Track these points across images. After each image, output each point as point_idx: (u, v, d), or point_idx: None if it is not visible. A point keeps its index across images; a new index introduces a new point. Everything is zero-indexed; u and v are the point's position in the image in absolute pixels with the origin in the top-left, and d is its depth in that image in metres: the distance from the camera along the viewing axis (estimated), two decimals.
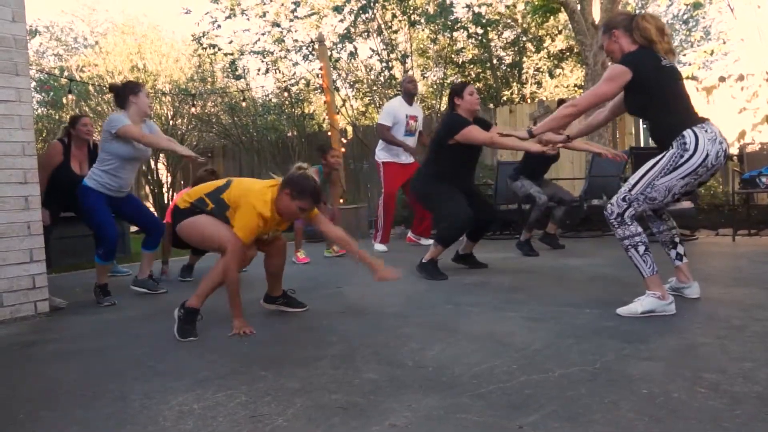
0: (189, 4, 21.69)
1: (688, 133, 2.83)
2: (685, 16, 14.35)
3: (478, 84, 11.76)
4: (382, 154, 6.49)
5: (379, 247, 6.46)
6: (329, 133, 8.25)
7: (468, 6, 9.78)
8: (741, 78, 7.75)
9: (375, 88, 10.63)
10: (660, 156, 2.92)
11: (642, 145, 8.32)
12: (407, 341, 2.69)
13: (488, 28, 9.73)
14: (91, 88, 11.61)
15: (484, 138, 4.35)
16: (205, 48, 10.98)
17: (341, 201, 8.28)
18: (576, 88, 11.19)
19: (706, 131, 2.84)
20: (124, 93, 4.06)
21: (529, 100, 11.09)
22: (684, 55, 13.70)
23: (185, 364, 2.51)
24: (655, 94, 2.93)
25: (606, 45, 3.12)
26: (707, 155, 2.80)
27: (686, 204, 5.82)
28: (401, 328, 2.94)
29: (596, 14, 7.61)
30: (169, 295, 4.25)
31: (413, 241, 6.78)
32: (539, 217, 5.66)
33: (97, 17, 17.56)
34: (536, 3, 7.87)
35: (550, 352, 2.42)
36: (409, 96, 6.40)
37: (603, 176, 6.81)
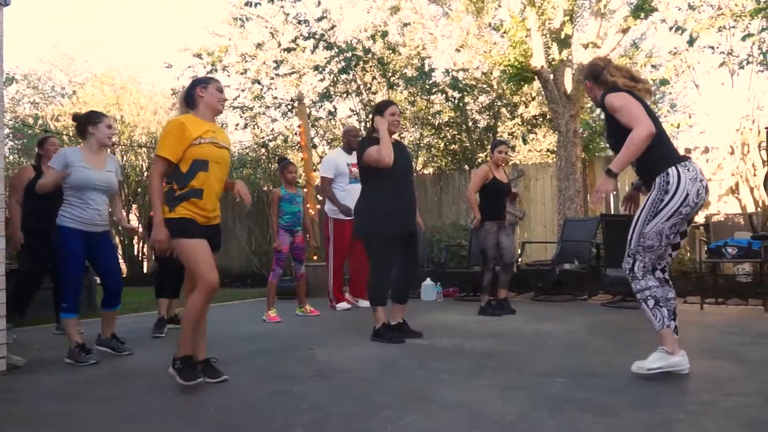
0: (171, 59, 21.96)
1: (672, 171, 2.93)
2: (652, 89, 15.01)
3: (453, 146, 12.03)
4: (331, 209, 6.37)
5: (343, 305, 6.37)
6: (305, 189, 8.27)
7: (447, 71, 10.10)
8: (706, 150, 8.06)
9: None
10: (643, 204, 3.02)
11: (612, 212, 8.51)
12: (380, 410, 2.63)
13: (465, 93, 10.03)
14: (65, 137, 11.54)
15: (376, 158, 4.19)
16: None
17: (314, 258, 8.23)
18: (549, 153, 11.50)
19: (688, 170, 2.94)
20: (84, 123, 3.97)
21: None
22: None
23: None
24: None
25: (586, 90, 3.35)
26: (687, 194, 2.90)
27: None
28: (374, 396, 2.87)
29: (568, 84, 7.91)
30: (135, 357, 4.10)
31: (351, 303, 6.60)
32: (492, 279, 5.71)
33: (76, 67, 17.56)
34: (511, 72, 8.17)
35: (525, 426, 2.38)
36: (349, 148, 6.38)
37: (574, 241, 6.93)
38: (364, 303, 6.54)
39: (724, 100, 7.42)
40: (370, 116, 4.56)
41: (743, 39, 7.04)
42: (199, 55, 10.57)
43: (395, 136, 4.50)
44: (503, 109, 11.51)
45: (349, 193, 6.27)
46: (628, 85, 3.11)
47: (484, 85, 11.55)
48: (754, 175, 7.15)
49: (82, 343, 3.86)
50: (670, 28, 6.82)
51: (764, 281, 5.90)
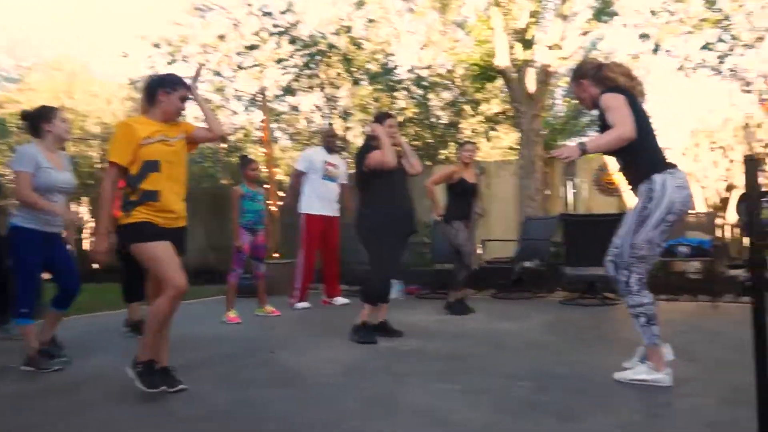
0: (127, 47, 21.29)
1: (657, 178, 2.90)
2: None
3: (416, 142, 12.06)
4: (305, 204, 6.35)
5: (302, 305, 6.31)
6: (267, 186, 8.17)
7: (410, 69, 10.09)
8: None
9: (314, 140, 10.66)
10: (630, 213, 3.01)
11: (571, 211, 8.64)
12: (346, 418, 2.61)
13: (428, 90, 10.05)
14: (11, 125, 11.09)
15: (381, 159, 4.32)
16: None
17: (276, 255, 8.13)
18: (510, 150, 11.66)
19: (674, 176, 2.92)
20: (37, 122, 3.69)
21: None
22: None
23: None
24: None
25: (576, 92, 3.26)
26: (673, 202, 2.89)
27: None
28: (339, 403, 2.85)
29: (531, 84, 8.00)
30: (91, 363, 3.96)
31: (327, 303, 6.60)
32: (467, 276, 5.78)
33: (23, 52, 16.85)
34: (475, 70, 8.22)
35: None
36: (329, 147, 6.47)
37: (534, 239, 7.02)
38: (341, 300, 6.61)
39: (678, 102, 7.62)
40: (368, 125, 4.70)
41: (702, 48, 7.29)
42: (158, 45, 10.26)
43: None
44: (466, 106, 11.57)
45: (321, 189, 6.34)
46: (628, 84, 3.11)
47: (448, 81, 11.59)
48: (705, 177, 7.40)
49: (44, 348, 3.68)
50: (640, 36, 6.99)
51: (713, 279, 6.10)
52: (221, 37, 10.22)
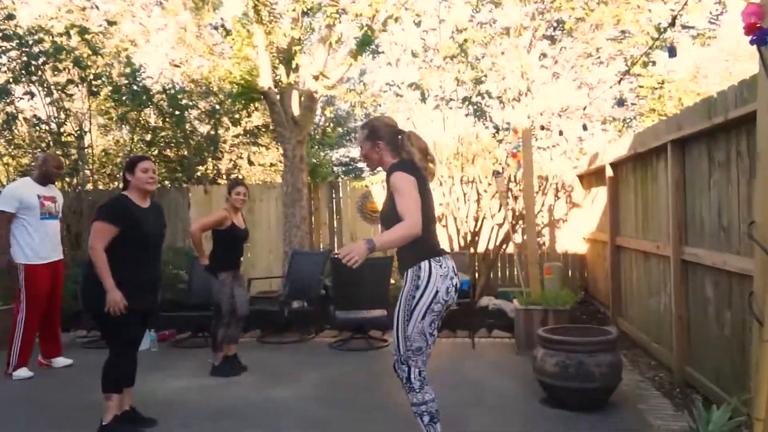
0: None
1: (424, 265, 2.87)
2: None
3: (168, 152, 10.92)
4: (20, 252, 5.18)
5: (23, 373, 5.17)
6: None
7: (163, 89, 8.93)
8: None
9: (43, 147, 8.84)
10: (398, 304, 2.94)
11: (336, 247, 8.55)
12: None
13: (185, 109, 9.02)
14: None
15: (98, 251, 3.57)
16: None
17: None
18: (272, 167, 11.21)
19: (441, 266, 2.89)
20: None
21: (224, 177, 10.67)
22: None
23: None
24: None
25: (366, 150, 3.10)
26: (437, 292, 2.85)
27: (378, 312, 6.01)
28: None
29: (296, 108, 7.63)
30: None
31: (44, 364, 5.52)
32: (226, 333, 5.24)
33: None
34: (237, 90, 7.57)
35: None
36: (46, 178, 5.32)
37: (302, 277, 6.68)
38: (62, 361, 5.55)
39: (435, 136, 7.97)
40: (122, 172, 3.97)
41: (463, 101, 7.75)
42: None
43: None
44: (225, 118, 10.78)
45: (40, 231, 5.22)
46: (422, 162, 3.04)
47: (204, 87, 10.68)
48: (458, 209, 7.87)
49: None
50: (409, 85, 7.13)
51: (470, 315, 6.44)
52: None
